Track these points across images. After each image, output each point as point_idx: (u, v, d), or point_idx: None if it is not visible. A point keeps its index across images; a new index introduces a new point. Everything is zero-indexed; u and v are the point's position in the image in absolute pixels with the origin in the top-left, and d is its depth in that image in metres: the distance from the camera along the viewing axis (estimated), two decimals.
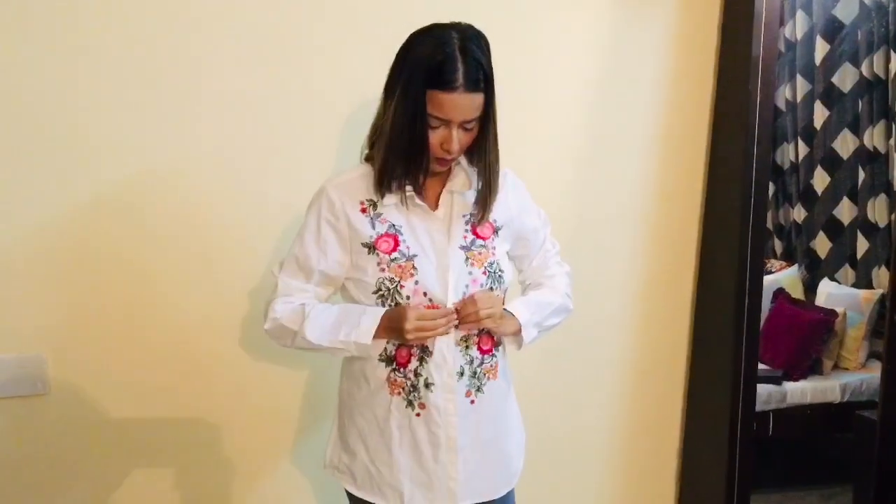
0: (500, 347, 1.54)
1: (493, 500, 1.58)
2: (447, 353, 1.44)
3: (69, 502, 1.87)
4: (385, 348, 1.45)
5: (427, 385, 1.44)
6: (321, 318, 1.43)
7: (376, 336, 1.40)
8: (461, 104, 1.32)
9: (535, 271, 1.67)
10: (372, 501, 1.53)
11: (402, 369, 1.45)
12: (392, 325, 1.40)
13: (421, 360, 1.44)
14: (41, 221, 1.73)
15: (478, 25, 1.38)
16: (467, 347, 1.47)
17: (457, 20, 1.37)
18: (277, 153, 1.86)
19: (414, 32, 1.36)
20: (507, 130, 1.98)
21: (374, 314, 1.41)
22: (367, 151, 1.46)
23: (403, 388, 1.46)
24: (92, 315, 1.80)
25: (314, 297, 1.49)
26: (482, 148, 1.42)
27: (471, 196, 1.48)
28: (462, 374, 1.46)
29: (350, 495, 1.58)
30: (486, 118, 1.38)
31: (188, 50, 1.77)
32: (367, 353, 1.43)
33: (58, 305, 1.77)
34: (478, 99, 1.33)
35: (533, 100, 2.08)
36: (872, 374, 3.42)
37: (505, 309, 1.51)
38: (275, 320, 1.45)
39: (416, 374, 1.44)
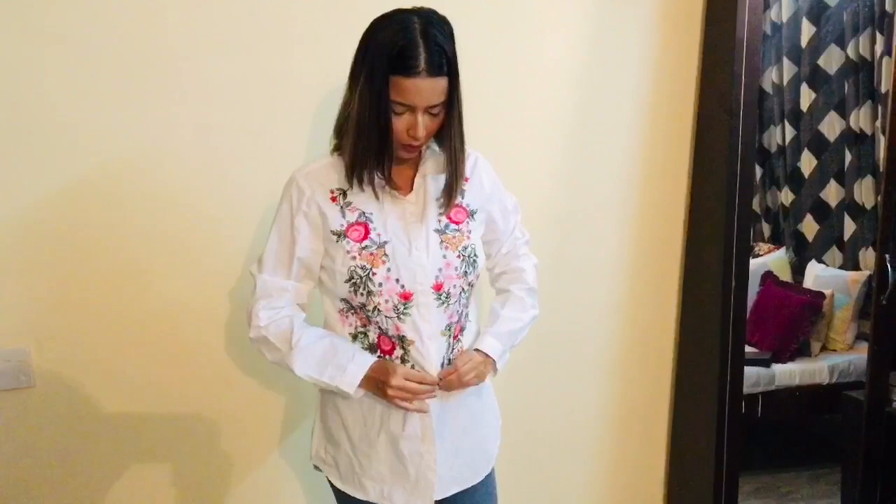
0: (464, 333, 1.54)
1: (469, 489, 1.59)
2: (429, 342, 1.44)
3: (59, 495, 1.87)
4: (367, 336, 1.46)
5: None
6: (308, 352, 1.43)
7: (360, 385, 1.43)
8: (424, 89, 1.30)
9: (504, 259, 1.66)
10: (353, 495, 1.54)
11: (387, 357, 1.45)
12: (376, 377, 1.41)
13: (403, 349, 1.44)
14: (20, 212, 1.71)
15: (459, 9, 1.37)
16: (449, 336, 1.48)
17: (428, 5, 1.35)
18: (255, 139, 1.85)
19: (376, 18, 1.35)
20: (491, 116, 1.99)
21: (362, 364, 1.42)
22: (335, 142, 1.45)
23: None
24: (75, 306, 1.79)
25: (295, 296, 1.49)
26: (447, 133, 1.41)
27: (444, 179, 1.47)
28: (443, 364, 1.47)
29: (335, 488, 1.59)
30: (451, 103, 1.37)
31: (166, 37, 1.75)
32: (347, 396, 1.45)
33: (40, 297, 1.76)
34: (441, 83, 1.31)
35: (516, 85, 2.07)
36: (860, 356, 3.43)
37: (477, 349, 1.51)
38: (259, 329, 1.46)
39: (404, 361, 1.44)
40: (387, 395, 1.41)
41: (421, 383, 1.41)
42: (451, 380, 1.44)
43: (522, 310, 1.62)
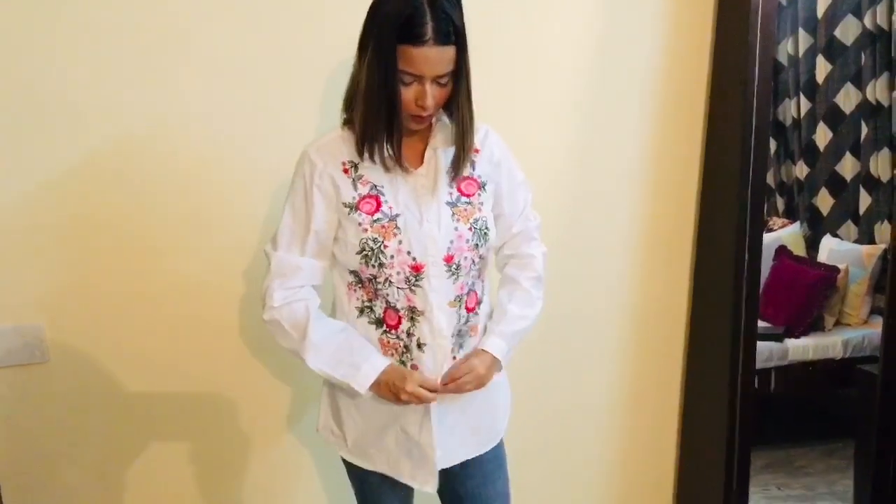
0: (482, 306, 1.54)
1: (478, 456, 1.61)
2: (439, 312, 1.44)
3: (74, 471, 1.89)
4: (373, 310, 1.46)
5: (420, 346, 1.45)
6: (322, 348, 1.44)
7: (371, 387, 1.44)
8: (432, 58, 1.29)
9: (514, 241, 1.63)
10: (362, 466, 1.56)
11: (393, 331, 1.45)
12: (389, 380, 1.42)
13: (412, 320, 1.44)
14: (31, 189, 1.72)
15: None
16: (459, 307, 1.47)
17: None
18: (265, 116, 1.84)
19: None
20: (501, 91, 1.98)
21: (376, 365, 1.43)
22: (345, 116, 1.45)
23: (396, 350, 1.46)
24: (89, 282, 1.80)
25: (310, 275, 1.48)
26: (456, 103, 1.40)
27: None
28: (454, 334, 1.47)
29: (346, 460, 1.61)
30: (460, 73, 1.36)
31: (175, 14, 1.74)
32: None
33: (54, 274, 1.77)
34: (449, 52, 1.31)
35: (526, 59, 2.05)
36: (874, 330, 3.41)
37: (483, 350, 1.50)
38: (273, 311, 1.46)
39: (409, 335, 1.45)
40: (399, 399, 1.43)
41: (433, 389, 1.44)
42: (448, 388, 1.46)
43: (530, 305, 1.60)
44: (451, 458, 1.55)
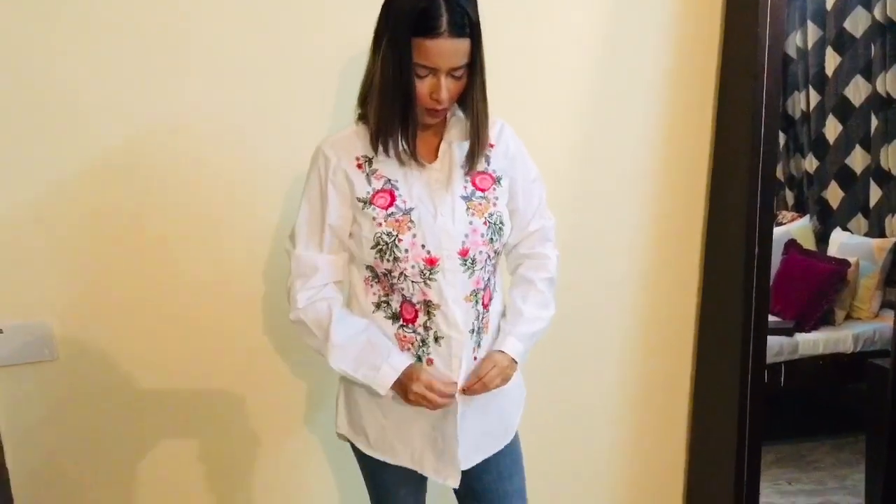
0: (493, 303, 1.54)
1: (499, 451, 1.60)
2: (455, 306, 1.43)
3: (83, 468, 1.89)
4: (390, 305, 1.46)
5: (437, 339, 1.44)
6: (344, 349, 1.44)
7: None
8: (446, 50, 1.29)
9: (531, 240, 1.62)
10: (383, 460, 1.55)
11: (410, 325, 1.45)
12: (401, 379, 1.42)
13: (428, 314, 1.43)
14: (40, 188, 1.71)
15: None
16: (476, 303, 1.46)
17: None
18: (277, 114, 1.83)
19: None
20: (508, 86, 1.96)
21: (396, 366, 1.43)
22: (359, 111, 1.45)
23: (412, 344, 1.46)
24: (96, 280, 1.79)
25: (331, 272, 1.48)
26: (470, 97, 1.40)
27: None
28: (473, 331, 1.46)
29: (360, 456, 1.60)
30: (474, 66, 1.35)
31: (185, 11, 1.73)
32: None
33: (62, 271, 1.77)
34: (463, 45, 1.31)
35: (533, 52, 2.03)
36: (885, 324, 3.40)
37: (501, 351, 1.50)
38: (298, 312, 1.46)
39: (426, 328, 1.44)
40: (407, 399, 1.43)
41: (442, 394, 1.42)
42: (475, 388, 1.45)
43: (545, 306, 1.59)
44: (469, 460, 1.54)
